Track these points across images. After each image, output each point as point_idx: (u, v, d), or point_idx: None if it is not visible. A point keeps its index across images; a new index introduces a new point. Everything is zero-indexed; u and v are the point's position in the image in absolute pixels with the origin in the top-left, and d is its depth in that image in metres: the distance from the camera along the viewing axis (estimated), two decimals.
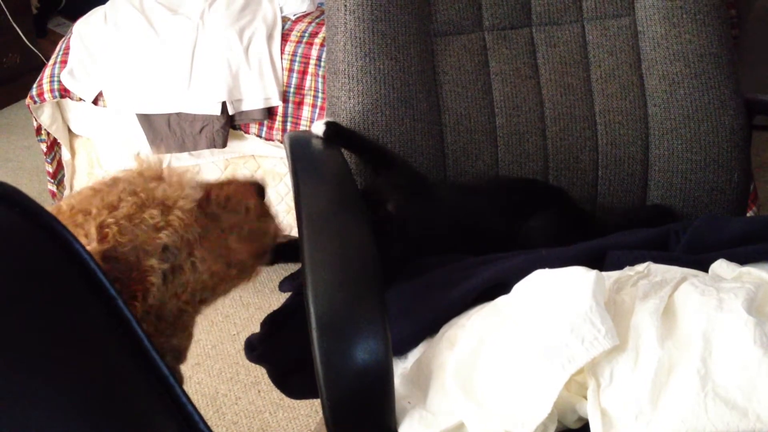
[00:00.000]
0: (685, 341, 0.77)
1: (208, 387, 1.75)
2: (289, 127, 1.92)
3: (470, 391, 0.80)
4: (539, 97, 1.24)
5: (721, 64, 1.22)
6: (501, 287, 0.90)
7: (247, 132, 1.95)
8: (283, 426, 1.65)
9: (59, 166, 2.17)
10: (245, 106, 1.92)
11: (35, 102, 2.01)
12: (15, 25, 3.19)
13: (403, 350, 0.91)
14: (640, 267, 0.93)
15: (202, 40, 1.91)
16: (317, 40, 1.90)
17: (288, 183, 1.99)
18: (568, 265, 0.85)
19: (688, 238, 1.03)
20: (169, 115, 1.94)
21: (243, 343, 1.16)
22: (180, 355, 0.86)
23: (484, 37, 1.24)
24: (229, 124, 1.93)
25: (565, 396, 0.76)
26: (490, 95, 1.23)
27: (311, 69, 1.89)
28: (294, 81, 1.90)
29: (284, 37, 1.93)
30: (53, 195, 2.21)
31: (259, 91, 1.90)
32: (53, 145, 2.13)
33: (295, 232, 0.96)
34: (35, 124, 2.07)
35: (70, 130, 2.11)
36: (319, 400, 0.78)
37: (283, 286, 1.16)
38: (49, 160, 2.15)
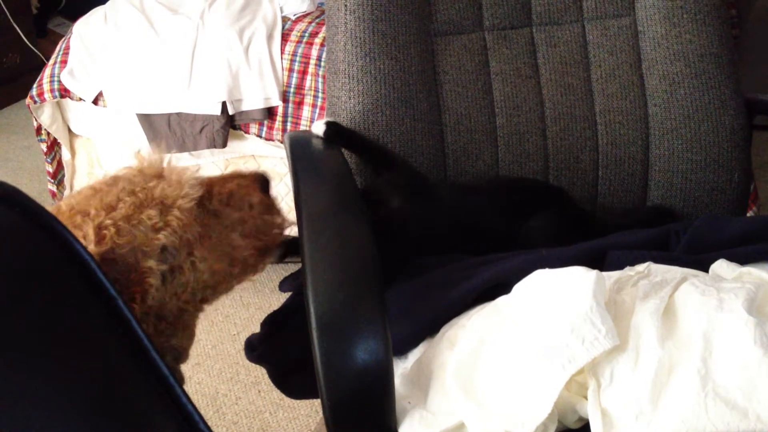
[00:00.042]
0: (685, 341, 0.77)
1: (209, 387, 1.75)
2: (289, 127, 1.92)
3: (470, 391, 0.79)
4: (539, 97, 1.24)
5: (722, 64, 1.22)
6: (501, 287, 0.90)
7: (247, 132, 1.95)
8: (283, 426, 1.65)
9: (59, 166, 2.17)
10: (245, 106, 1.92)
11: (35, 102, 2.01)
12: (15, 25, 3.19)
13: (403, 350, 0.91)
14: (641, 267, 0.93)
15: (203, 40, 1.91)
16: (317, 40, 1.90)
17: (288, 183, 1.99)
18: (568, 265, 0.85)
19: (688, 238, 1.03)
20: (169, 115, 1.94)
21: (243, 343, 1.16)
22: (180, 355, 0.86)
23: (484, 36, 1.24)
24: (229, 124, 1.93)
25: (566, 396, 0.76)
26: (490, 95, 1.23)
27: (311, 69, 1.89)
28: (294, 81, 1.90)
29: (284, 37, 1.93)
30: (53, 195, 2.21)
31: (259, 91, 1.90)
32: (53, 145, 2.13)
33: (295, 231, 0.96)
34: (35, 124, 2.07)
35: (70, 130, 2.11)
36: (319, 400, 0.78)
37: (283, 286, 1.16)
38: (49, 160, 2.15)
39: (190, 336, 0.87)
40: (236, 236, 0.89)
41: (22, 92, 2.38)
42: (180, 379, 0.81)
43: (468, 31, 1.24)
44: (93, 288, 0.61)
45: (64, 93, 2.00)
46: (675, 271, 0.91)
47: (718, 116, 1.21)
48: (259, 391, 1.73)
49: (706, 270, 0.95)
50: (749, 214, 1.48)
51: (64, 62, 2.02)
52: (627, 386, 0.74)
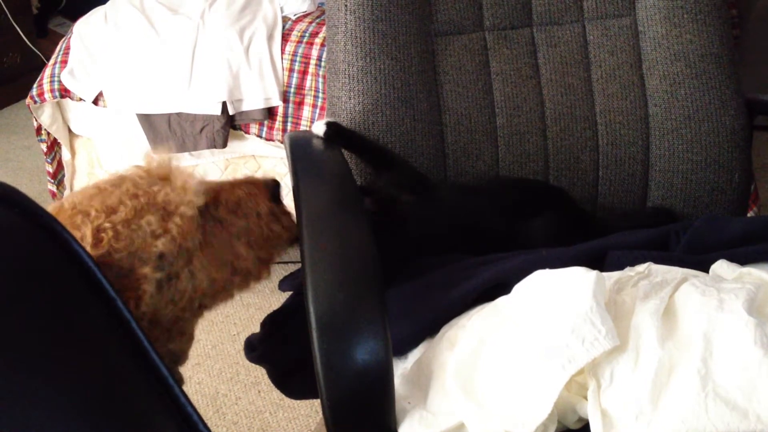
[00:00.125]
0: (685, 342, 0.77)
1: (208, 387, 1.75)
2: (289, 127, 1.92)
3: (470, 391, 0.79)
4: (540, 97, 1.24)
5: (722, 64, 1.22)
6: (501, 287, 0.90)
7: (247, 132, 1.95)
8: (283, 426, 1.65)
9: (59, 166, 2.17)
10: (245, 106, 1.92)
11: (35, 102, 2.01)
12: (15, 25, 3.19)
13: (403, 350, 0.91)
14: (641, 267, 0.93)
15: (203, 40, 1.91)
16: (318, 40, 1.90)
17: (288, 183, 1.98)
18: (568, 265, 0.85)
19: (688, 238, 1.03)
20: (170, 115, 1.94)
21: (243, 343, 1.16)
22: (178, 358, 0.85)
23: (484, 37, 1.24)
24: (230, 124, 1.93)
25: (566, 396, 0.76)
26: (490, 95, 1.23)
27: (312, 69, 1.89)
28: (294, 81, 1.90)
29: (285, 37, 1.93)
30: (53, 195, 2.21)
31: (259, 91, 1.90)
32: (53, 145, 2.13)
33: None
34: (35, 124, 2.07)
35: (70, 130, 2.11)
36: (319, 400, 0.78)
37: (282, 285, 1.16)
38: (49, 160, 2.15)
39: (188, 340, 0.86)
40: (240, 245, 0.87)
41: (22, 92, 2.38)
42: (179, 380, 0.81)
43: (468, 31, 1.24)
44: (93, 288, 0.61)
45: (64, 93, 2.00)
46: (675, 272, 0.91)
47: (719, 116, 1.21)
48: (259, 391, 1.73)
49: (706, 270, 0.95)
50: (749, 214, 1.47)
51: (64, 62, 2.02)
52: (627, 386, 0.74)
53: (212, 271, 0.84)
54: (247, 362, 1.17)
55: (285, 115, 1.91)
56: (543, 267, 0.87)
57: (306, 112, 1.91)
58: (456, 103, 1.21)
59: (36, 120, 2.05)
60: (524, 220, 1.11)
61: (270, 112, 1.92)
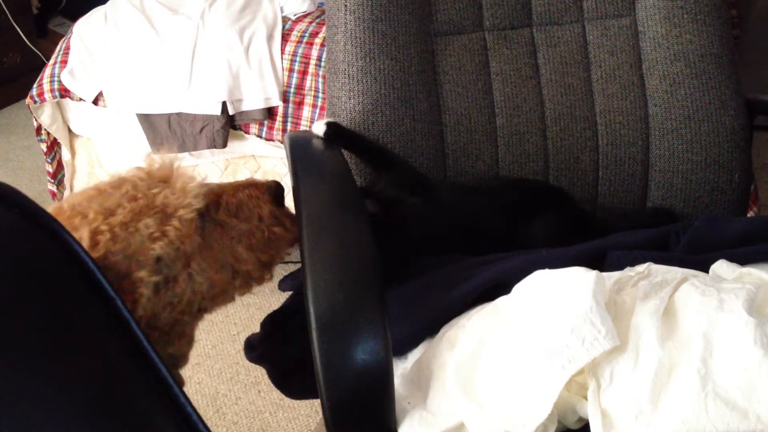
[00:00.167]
0: (685, 342, 0.77)
1: (208, 387, 1.75)
2: (289, 127, 1.92)
3: (470, 391, 0.79)
4: (540, 98, 1.24)
5: (722, 65, 1.22)
6: (501, 287, 0.90)
7: (247, 132, 1.95)
8: (283, 426, 1.65)
9: (59, 166, 2.17)
10: (245, 106, 1.92)
11: (35, 102, 2.01)
12: (15, 25, 3.19)
13: (403, 350, 0.91)
14: (641, 267, 0.93)
15: (203, 40, 1.91)
16: (317, 40, 1.90)
17: (288, 183, 1.99)
18: (568, 265, 0.85)
19: (688, 238, 1.03)
20: (170, 115, 1.94)
21: (243, 343, 1.16)
22: (179, 360, 0.84)
23: (484, 37, 1.24)
24: (230, 124, 1.94)
25: (566, 396, 0.76)
26: (490, 95, 1.23)
27: (311, 69, 1.89)
28: (294, 81, 1.90)
29: (284, 37, 1.93)
30: (53, 195, 2.21)
31: (259, 91, 1.90)
32: (53, 145, 2.13)
33: None
34: (35, 124, 2.07)
35: (70, 130, 2.11)
36: (319, 400, 0.78)
37: (282, 285, 1.16)
38: (49, 160, 2.15)
39: (188, 343, 0.85)
40: (241, 248, 0.87)
41: (22, 92, 2.38)
42: (179, 382, 0.81)
43: (468, 31, 1.24)
44: (92, 288, 0.61)
45: (64, 93, 2.00)
46: (675, 272, 0.91)
47: (719, 116, 1.21)
48: (259, 391, 1.73)
49: (706, 270, 0.95)
50: (749, 214, 1.47)
51: (64, 62, 2.02)
52: (627, 386, 0.74)
53: (212, 274, 0.83)
54: (247, 362, 1.17)
55: (285, 115, 1.91)
56: (543, 267, 0.87)
57: (306, 112, 1.91)
58: (456, 103, 1.21)
59: (36, 120, 2.05)
60: (524, 220, 1.11)
61: (270, 112, 1.92)
